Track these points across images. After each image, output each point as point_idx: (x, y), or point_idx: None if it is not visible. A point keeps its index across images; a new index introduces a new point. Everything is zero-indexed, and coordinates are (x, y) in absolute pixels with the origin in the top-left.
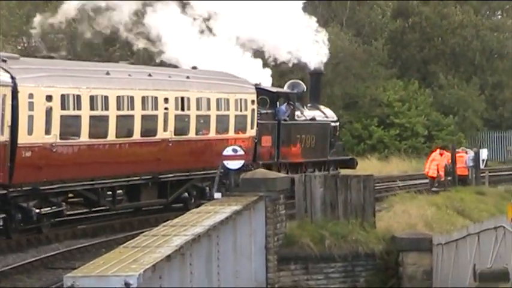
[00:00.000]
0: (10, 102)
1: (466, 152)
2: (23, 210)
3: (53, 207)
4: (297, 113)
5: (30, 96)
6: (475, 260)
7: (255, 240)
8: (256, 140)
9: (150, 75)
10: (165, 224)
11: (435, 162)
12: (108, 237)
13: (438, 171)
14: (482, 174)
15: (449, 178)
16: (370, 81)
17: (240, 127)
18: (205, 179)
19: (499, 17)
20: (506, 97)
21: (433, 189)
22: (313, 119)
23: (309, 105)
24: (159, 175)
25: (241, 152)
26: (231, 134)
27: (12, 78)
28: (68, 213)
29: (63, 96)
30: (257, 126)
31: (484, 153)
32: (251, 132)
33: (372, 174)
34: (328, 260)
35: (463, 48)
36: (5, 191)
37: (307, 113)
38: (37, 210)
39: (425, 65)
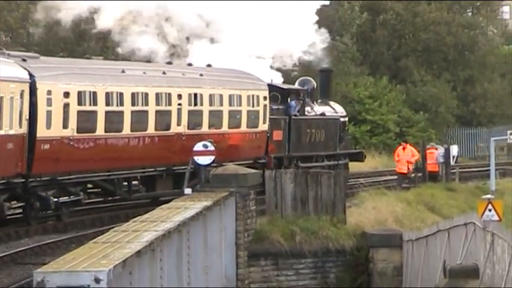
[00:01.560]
0: (28, 97)
1: (436, 149)
2: (41, 199)
3: (71, 197)
4: (307, 108)
5: (49, 92)
6: (445, 257)
7: (225, 236)
8: (268, 134)
9: (164, 72)
10: (135, 219)
11: (405, 158)
12: (78, 233)
13: (409, 168)
14: (452, 171)
15: (419, 174)
16: (340, 78)
17: (252, 122)
18: None
19: (470, 14)
20: (477, 93)
21: (403, 185)
22: (322, 114)
23: (319, 101)
24: (173, 167)
25: (211, 148)
26: (243, 128)
27: (31, 76)
28: (87, 201)
29: (79, 92)
30: (269, 121)
31: (454, 150)
32: (263, 126)
33: (342, 170)
34: (298, 256)
35: (436, 44)
36: (23, 180)
37: (317, 109)
38: (55, 199)
39: (396, 61)
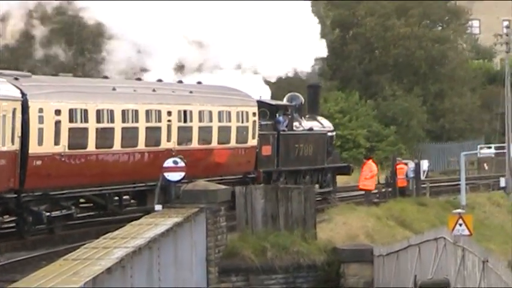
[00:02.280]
0: (20, 115)
1: (406, 164)
2: (34, 214)
3: (63, 211)
4: (296, 123)
5: (40, 110)
6: (416, 271)
7: (196, 252)
8: (257, 150)
9: (154, 90)
10: (105, 236)
11: (363, 174)
12: (48, 250)
13: (366, 184)
14: (423, 185)
15: (389, 189)
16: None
17: (242, 137)
18: None
19: (440, 28)
20: (446, 107)
21: (374, 200)
22: (310, 129)
23: (307, 116)
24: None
25: (181, 164)
26: (233, 143)
27: (23, 94)
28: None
29: (71, 110)
30: (258, 136)
31: (425, 164)
32: (252, 142)
33: (313, 185)
34: (269, 271)
35: (407, 58)
36: (15, 195)
37: (305, 124)
38: (47, 213)
39: (367, 76)
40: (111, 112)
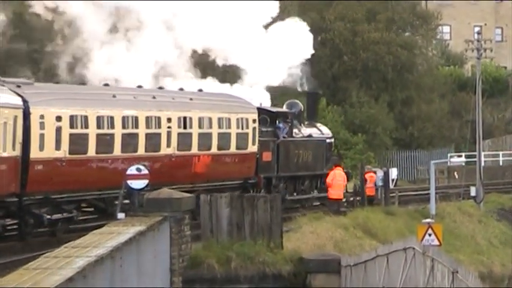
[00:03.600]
0: (21, 122)
1: (375, 172)
2: (35, 216)
3: (64, 214)
4: (295, 130)
5: (42, 117)
6: (384, 282)
7: (160, 261)
8: (258, 156)
9: (154, 97)
10: (67, 245)
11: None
12: (10, 259)
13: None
14: (392, 194)
15: (358, 198)
16: (277, 99)
17: (242, 144)
18: (209, 191)
19: (407, 34)
20: (414, 114)
21: (341, 209)
22: (310, 135)
23: (306, 123)
24: (163, 187)
25: (145, 172)
26: (233, 149)
27: (25, 101)
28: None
29: (71, 117)
30: (259, 143)
31: (393, 173)
32: (253, 148)
33: (279, 194)
34: (234, 281)
35: (376, 64)
36: (17, 199)
37: (304, 131)
38: (48, 216)
39: (335, 81)
40: (111, 118)
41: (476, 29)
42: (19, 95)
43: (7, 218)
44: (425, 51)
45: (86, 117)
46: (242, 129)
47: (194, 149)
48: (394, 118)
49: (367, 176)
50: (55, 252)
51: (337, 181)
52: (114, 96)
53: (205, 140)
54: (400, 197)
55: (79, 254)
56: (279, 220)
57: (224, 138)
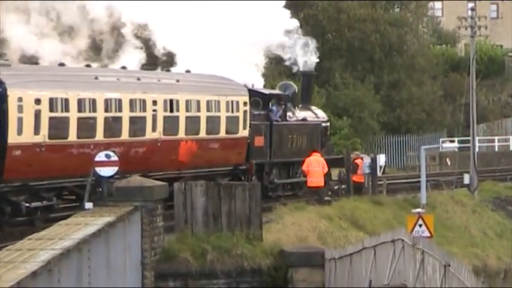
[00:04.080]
0: None
1: (362, 158)
2: (13, 204)
3: (43, 202)
4: (289, 113)
5: (20, 99)
6: (371, 276)
7: (130, 254)
8: (249, 140)
9: (138, 79)
10: (30, 237)
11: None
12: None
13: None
14: (379, 182)
15: (343, 186)
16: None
17: (232, 128)
18: (197, 177)
19: (397, 10)
20: (403, 97)
21: (326, 198)
22: (304, 119)
23: (300, 106)
24: (148, 173)
25: (115, 158)
26: (222, 134)
27: (1, 83)
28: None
29: (51, 99)
30: (250, 127)
31: (381, 159)
32: (243, 132)
33: (258, 182)
34: (210, 276)
35: (362, 43)
36: None
37: (298, 114)
38: (27, 204)
39: (319, 62)
40: (93, 101)
41: (470, 4)
42: None
43: None
44: (416, 28)
45: (66, 100)
46: (232, 112)
47: (181, 134)
48: (382, 101)
49: (357, 161)
50: (18, 244)
51: (314, 167)
52: (96, 78)
53: (193, 124)
54: (388, 185)
55: (44, 247)
56: (259, 210)
57: (213, 122)
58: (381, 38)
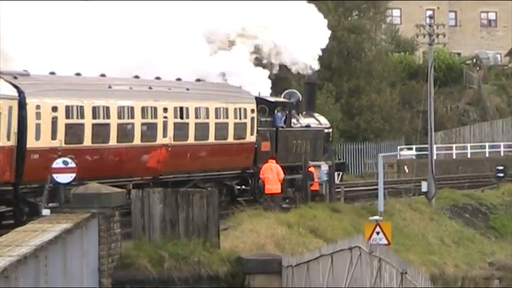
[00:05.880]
0: (17, 113)
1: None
2: (31, 205)
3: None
4: (293, 120)
5: (38, 107)
6: (328, 284)
7: (87, 261)
8: (256, 146)
9: (150, 87)
10: None
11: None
12: None
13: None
14: (337, 190)
15: (300, 194)
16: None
17: (240, 134)
18: (205, 181)
19: (356, 17)
20: (362, 104)
21: (283, 205)
22: (308, 125)
23: (304, 113)
24: (159, 176)
25: (72, 165)
26: (230, 139)
27: (21, 92)
28: None
29: (67, 107)
30: (257, 132)
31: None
32: (251, 138)
33: (216, 189)
34: (167, 283)
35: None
36: (11, 188)
37: (302, 121)
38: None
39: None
40: (107, 109)
41: (429, 12)
42: (15, 86)
43: (1, 206)
44: (374, 35)
45: (81, 108)
46: (240, 119)
47: (191, 139)
48: (341, 108)
49: (311, 169)
50: None
51: (269, 174)
52: (109, 86)
53: (202, 130)
54: (346, 192)
55: (0, 253)
56: (216, 217)
57: (222, 129)
58: (338, 44)
